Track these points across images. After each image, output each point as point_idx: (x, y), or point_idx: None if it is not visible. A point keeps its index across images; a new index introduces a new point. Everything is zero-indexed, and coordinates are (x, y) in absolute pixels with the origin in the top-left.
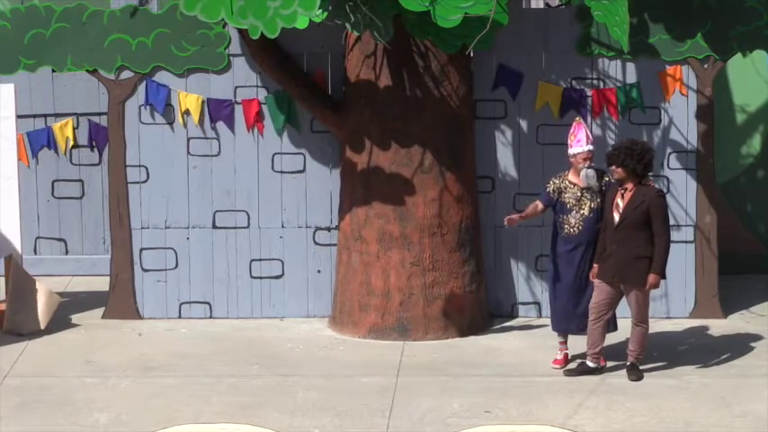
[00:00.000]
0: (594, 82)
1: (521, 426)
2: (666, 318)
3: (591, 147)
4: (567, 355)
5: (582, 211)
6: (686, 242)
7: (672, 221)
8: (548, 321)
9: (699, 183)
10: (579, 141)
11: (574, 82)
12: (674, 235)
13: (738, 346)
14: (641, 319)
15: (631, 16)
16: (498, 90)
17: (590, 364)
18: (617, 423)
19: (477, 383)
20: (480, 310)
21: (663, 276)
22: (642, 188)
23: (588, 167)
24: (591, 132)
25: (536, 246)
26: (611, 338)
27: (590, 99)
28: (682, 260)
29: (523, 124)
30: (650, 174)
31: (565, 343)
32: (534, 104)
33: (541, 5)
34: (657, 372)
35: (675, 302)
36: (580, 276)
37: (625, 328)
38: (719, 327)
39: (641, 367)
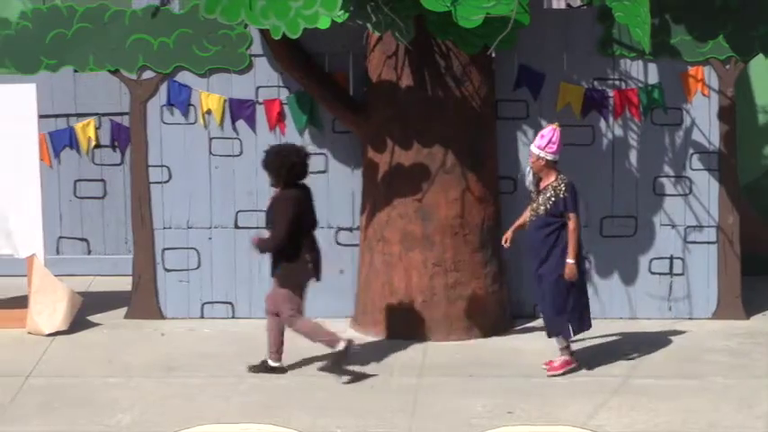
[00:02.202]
0: (616, 82)
1: (543, 426)
2: (689, 318)
3: (539, 151)
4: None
5: (531, 211)
6: (709, 243)
7: (694, 222)
8: None
9: (721, 183)
10: (535, 139)
11: (595, 82)
12: (697, 236)
13: (761, 347)
14: (273, 310)
15: (653, 17)
16: (520, 90)
17: (270, 362)
18: (639, 424)
19: (499, 384)
20: (502, 311)
21: (264, 250)
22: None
23: (530, 168)
24: (558, 138)
25: None
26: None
27: (612, 100)
28: (704, 261)
29: (545, 125)
30: (300, 179)
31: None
32: (556, 105)
33: (563, 6)
34: (680, 372)
35: (698, 303)
36: (538, 279)
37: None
38: (742, 328)
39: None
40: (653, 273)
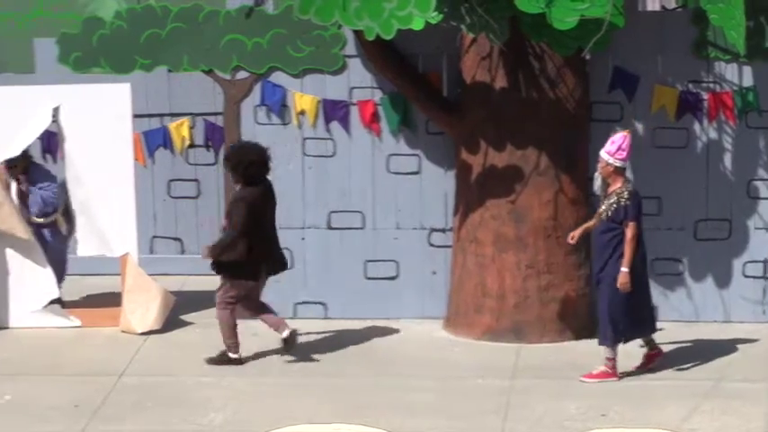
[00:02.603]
0: (711, 85)
1: (636, 429)
2: None
3: (608, 157)
4: (651, 358)
5: (597, 216)
6: None
7: None
8: (663, 325)
9: None
10: (606, 145)
11: (690, 85)
12: None
13: None
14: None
15: (748, 19)
16: (614, 92)
17: (283, 335)
18: (732, 428)
19: (592, 386)
20: (595, 313)
21: (214, 256)
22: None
23: (598, 173)
24: (628, 144)
25: (651, 248)
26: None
27: (706, 102)
28: None
29: (639, 127)
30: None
31: (648, 344)
32: (650, 107)
33: (657, 8)
34: None
35: None
36: (597, 282)
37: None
38: None
39: None
40: (747, 276)
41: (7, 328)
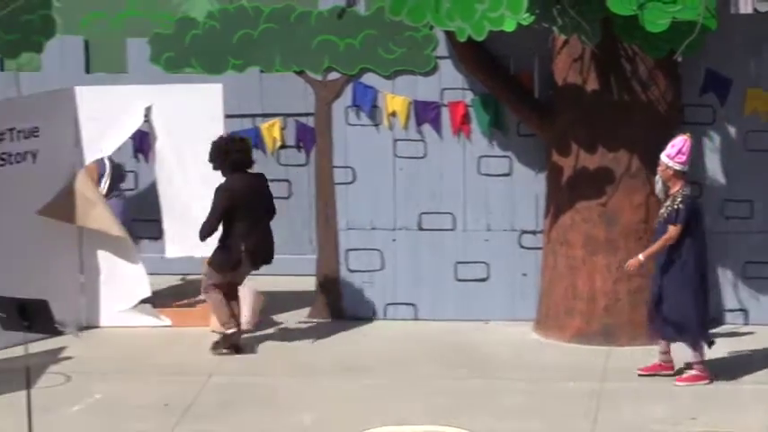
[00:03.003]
0: None
1: None
2: None
3: (668, 161)
4: (659, 364)
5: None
6: None
7: None
8: (755, 329)
9: None
10: (666, 148)
11: None
12: None
13: None
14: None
15: None
16: (706, 95)
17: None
18: None
19: (682, 390)
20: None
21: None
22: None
23: (659, 176)
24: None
25: (743, 252)
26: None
27: None
28: None
29: (732, 130)
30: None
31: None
32: (743, 110)
33: (750, 11)
34: None
35: None
36: (654, 280)
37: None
38: None
39: None
40: None
41: (98, 327)
